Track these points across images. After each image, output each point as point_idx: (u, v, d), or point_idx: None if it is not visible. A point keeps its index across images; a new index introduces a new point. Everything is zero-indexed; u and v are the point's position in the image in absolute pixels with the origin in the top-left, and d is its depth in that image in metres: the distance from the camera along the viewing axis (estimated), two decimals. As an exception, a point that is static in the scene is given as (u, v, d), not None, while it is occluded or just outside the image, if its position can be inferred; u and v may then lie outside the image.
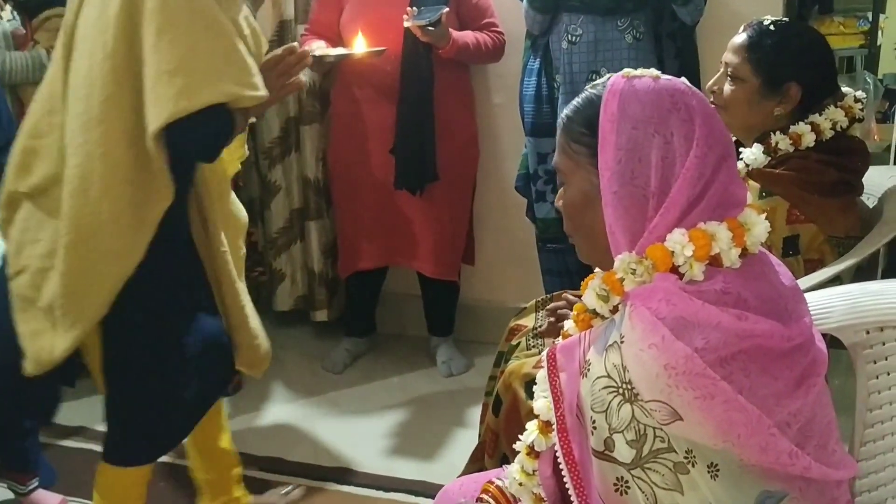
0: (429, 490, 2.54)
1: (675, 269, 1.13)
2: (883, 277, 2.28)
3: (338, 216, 3.34)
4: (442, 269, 3.14)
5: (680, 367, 1.06)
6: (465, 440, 2.72)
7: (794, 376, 1.12)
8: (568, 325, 1.30)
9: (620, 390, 1.10)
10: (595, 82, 1.26)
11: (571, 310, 1.96)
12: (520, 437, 1.35)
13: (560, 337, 1.92)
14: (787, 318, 1.13)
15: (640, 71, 1.21)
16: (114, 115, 1.74)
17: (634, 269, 1.14)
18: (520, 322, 2.24)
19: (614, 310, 1.20)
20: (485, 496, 1.44)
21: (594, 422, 1.13)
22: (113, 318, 1.85)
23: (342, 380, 3.31)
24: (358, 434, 2.92)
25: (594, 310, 1.22)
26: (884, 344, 1.43)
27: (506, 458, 1.89)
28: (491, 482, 1.46)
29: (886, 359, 1.43)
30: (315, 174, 3.39)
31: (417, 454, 2.76)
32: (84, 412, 3.05)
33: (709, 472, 1.07)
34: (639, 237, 1.15)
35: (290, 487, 2.61)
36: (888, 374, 1.43)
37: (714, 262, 1.14)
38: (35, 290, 1.85)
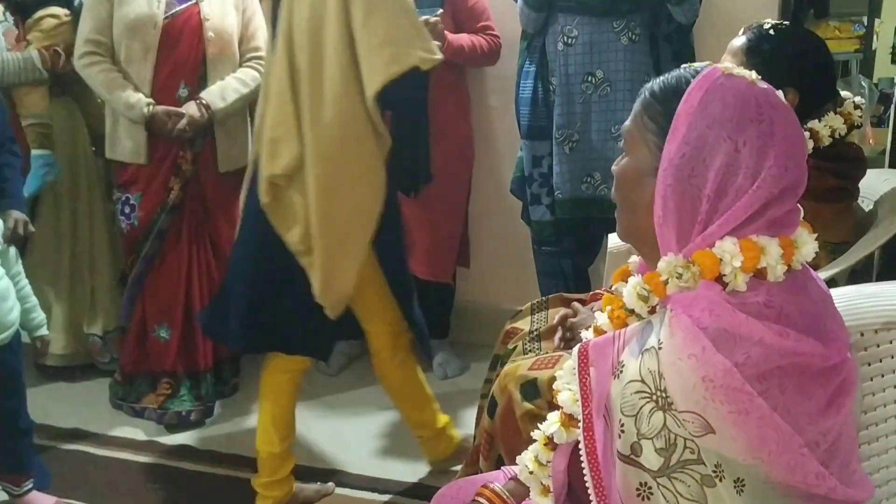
0: (423, 492, 2.54)
1: (719, 278, 1.11)
2: (878, 280, 2.28)
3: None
4: (436, 271, 3.14)
5: (718, 381, 1.04)
6: (461, 442, 2.72)
7: (826, 395, 1.10)
8: (602, 320, 1.26)
9: (654, 397, 1.08)
10: (691, 64, 1.21)
11: (575, 317, 1.97)
12: (539, 426, 1.32)
13: (559, 340, 1.94)
14: (825, 337, 1.11)
15: (738, 70, 1.17)
16: (341, 90, 2.10)
17: (681, 274, 1.11)
18: (515, 325, 2.24)
19: (652, 310, 1.18)
20: (480, 499, 1.43)
21: (622, 425, 1.12)
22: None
23: (338, 382, 3.30)
24: (353, 436, 2.92)
25: (632, 308, 1.20)
26: (878, 346, 1.44)
27: (501, 461, 1.89)
28: (486, 486, 1.45)
29: (881, 361, 1.43)
30: (311, 176, 3.39)
31: (412, 456, 2.75)
32: (79, 415, 3.06)
33: (735, 487, 1.06)
34: (686, 235, 1.12)
35: (329, 484, 2.64)
36: (882, 376, 1.43)
37: (758, 274, 1.11)
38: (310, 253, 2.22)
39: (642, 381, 1.10)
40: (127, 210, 2.94)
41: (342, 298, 2.28)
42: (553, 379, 1.31)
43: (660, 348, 1.09)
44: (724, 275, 1.10)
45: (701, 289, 1.11)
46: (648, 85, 1.22)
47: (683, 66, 1.21)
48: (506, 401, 1.91)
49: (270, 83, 2.22)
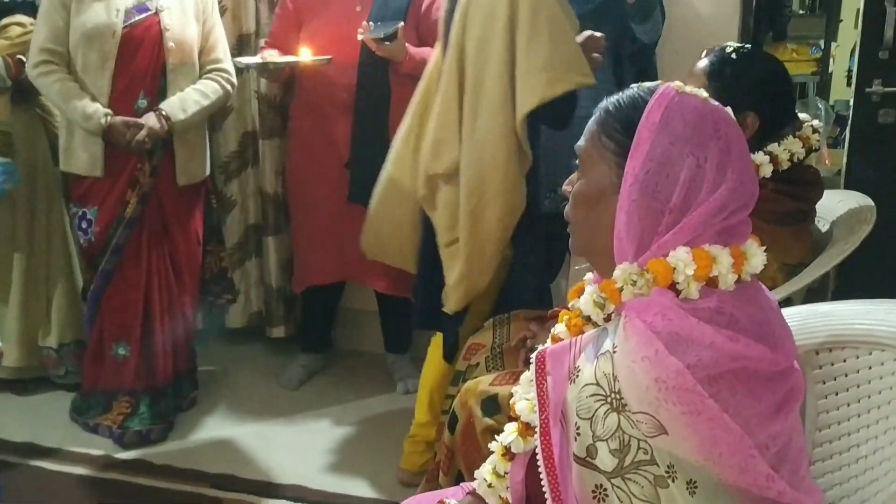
0: (383, 508, 2.53)
1: (672, 286, 1.14)
2: (833, 299, 2.32)
3: (294, 230, 3.33)
4: (396, 286, 3.13)
5: (670, 382, 1.07)
6: (421, 458, 2.71)
7: (775, 400, 1.13)
8: (559, 329, 1.29)
9: (608, 399, 1.11)
10: (644, 84, 1.24)
11: (534, 337, 1.99)
12: (496, 437, 1.34)
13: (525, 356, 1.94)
14: (774, 343, 1.14)
15: (690, 88, 1.21)
16: (497, 106, 2.24)
17: (635, 281, 1.15)
18: (477, 340, 2.25)
19: (607, 318, 1.21)
20: (438, 516, 1.43)
21: (578, 428, 1.14)
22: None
23: (298, 396, 3.28)
24: (312, 451, 2.90)
25: (588, 316, 1.23)
26: (832, 364, 1.46)
27: (461, 477, 1.89)
28: (442, 502, 1.45)
29: (835, 379, 1.46)
30: (274, 188, 3.37)
31: (372, 472, 2.74)
32: (32, 429, 3.00)
33: (687, 488, 1.08)
34: (645, 248, 1.16)
35: None
36: (836, 394, 1.45)
37: (710, 283, 1.15)
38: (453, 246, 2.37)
39: (597, 384, 1.12)
40: (84, 225, 2.89)
41: (469, 295, 2.38)
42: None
43: (614, 352, 1.12)
44: (678, 282, 1.14)
45: (654, 295, 1.14)
46: (603, 105, 1.25)
47: (633, 85, 1.25)
48: (466, 416, 1.91)
49: (437, 89, 2.40)
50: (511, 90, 2.23)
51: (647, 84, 1.24)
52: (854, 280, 2.30)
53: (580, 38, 2.31)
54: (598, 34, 2.38)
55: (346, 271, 3.20)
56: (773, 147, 1.94)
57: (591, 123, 1.25)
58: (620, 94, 1.24)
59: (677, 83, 1.21)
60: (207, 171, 3.09)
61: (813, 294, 2.01)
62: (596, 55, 2.35)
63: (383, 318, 3.36)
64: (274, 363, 3.50)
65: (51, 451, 2.89)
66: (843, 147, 4.10)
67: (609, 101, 1.24)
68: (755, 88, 1.94)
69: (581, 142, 1.26)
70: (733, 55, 1.96)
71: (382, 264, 3.10)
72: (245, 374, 3.45)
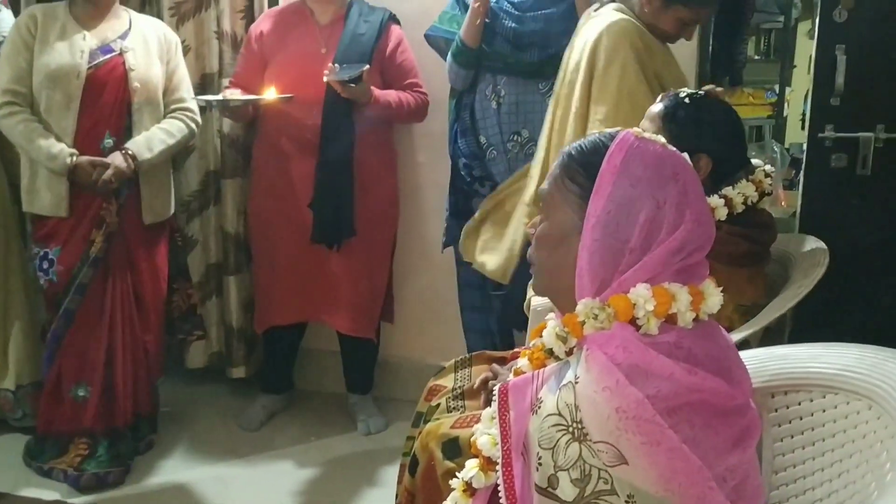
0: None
1: (633, 321, 1.18)
2: (790, 339, 2.36)
3: (255, 270, 3.31)
4: (358, 327, 3.13)
5: (631, 412, 1.09)
6: (382, 500, 2.69)
7: (733, 434, 1.16)
8: (521, 363, 1.33)
9: (570, 429, 1.13)
10: (606, 130, 1.29)
11: (496, 379, 1.99)
12: (457, 474, 1.36)
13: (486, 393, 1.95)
14: (730, 379, 1.18)
15: (650, 134, 1.26)
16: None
17: (597, 315, 1.18)
18: (438, 382, 2.24)
19: (569, 352, 1.23)
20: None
21: (540, 458, 1.16)
22: None
23: (258, 438, 3.24)
24: (273, 493, 2.86)
25: (550, 349, 1.26)
26: (788, 407, 1.48)
27: (422, 519, 1.87)
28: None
29: (791, 422, 1.47)
30: (236, 228, 3.36)
31: (333, 515, 2.71)
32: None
33: None
34: (606, 285, 1.20)
35: None
36: (792, 437, 1.47)
37: (669, 319, 1.19)
38: None
39: (559, 414, 1.15)
40: (45, 266, 2.86)
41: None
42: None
43: (576, 382, 1.15)
44: (638, 318, 1.18)
45: (615, 329, 1.17)
46: (566, 150, 1.30)
47: (594, 131, 1.31)
48: (427, 459, 1.90)
49: (548, 114, 2.55)
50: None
51: (608, 130, 1.29)
52: (810, 320, 2.33)
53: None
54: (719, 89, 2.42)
55: (308, 311, 3.19)
56: (727, 190, 1.98)
57: (554, 168, 1.29)
58: (582, 139, 1.30)
59: (636, 129, 1.26)
60: (172, 210, 3.08)
61: (770, 333, 2.04)
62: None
63: (345, 358, 3.35)
64: (234, 404, 3.46)
65: (4, 496, 2.82)
66: (799, 189, 4.19)
67: (572, 147, 1.29)
68: (708, 131, 1.99)
69: (545, 186, 1.31)
70: (687, 100, 2.02)
71: (345, 304, 3.09)
72: (205, 415, 3.40)
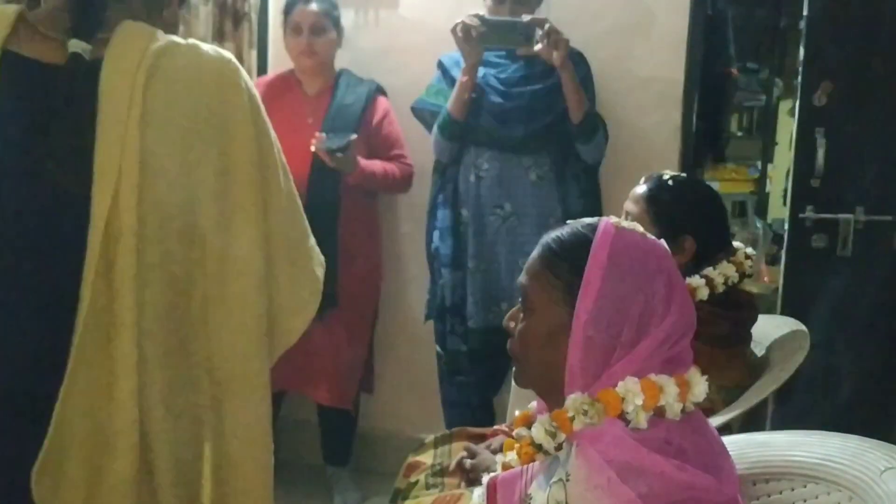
0: None
1: (621, 415, 1.16)
2: (771, 422, 2.35)
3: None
4: (336, 397, 3.09)
5: None
6: (357, 578, 2.63)
7: None
8: (510, 456, 1.31)
9: None
10: (581, 220, 1.28)
11: (473, 458, 1.97)
12: None
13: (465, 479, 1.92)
14: (719, 473, 1.17)
15: (626, 223, 1.25)
16: None
17: (586, 411, 1.16)
18: (418, 458, 2.20)
19: (559, 447, 1.21)
20: None
21: None
22: None
23: None
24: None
25: (539, 444, 1.23)
26: (769, 496, 1.46)
27: None
28: None
29: (771, 511, 1.45)
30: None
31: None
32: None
33: None
34: (595, 378, 1.18)
35: None
36: (773, 526, 1.45)
37: (658, 412, 1.18)
38: None
39: None
40: None
41: None
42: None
43: (567, 480, 1.14)
44: (627, 412, 1.16)
45: (606, 425, 1.15)
46: (545, 242, 1.27)
47: (570, 222, 1.29)
48: (405, 538, 1.87)
49: None
50: None
51: (585, 220, 1.27)
52: (791, 404, 2.33)
53: None
54: None
55: (286, 381, 3.14)
56: (708, 271, 1.99)
57: (535, 262, 1.26)
58: (561, 231, 1.27)
59: (614, 219, 1.25)
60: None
61: (752, 415, 2.03)
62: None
63: (323, 429, 3.30)
64: (209, 473, 3.39)
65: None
66: (781, 264, 4.23)
67: (551, 239, 1.26)
68: (692, 212, 2.00)
69: (524, 280, 1.27)
70: (669, 181, 2.03)
71: (324, 374, 3.06)
72: (178, 484, 3.33)
